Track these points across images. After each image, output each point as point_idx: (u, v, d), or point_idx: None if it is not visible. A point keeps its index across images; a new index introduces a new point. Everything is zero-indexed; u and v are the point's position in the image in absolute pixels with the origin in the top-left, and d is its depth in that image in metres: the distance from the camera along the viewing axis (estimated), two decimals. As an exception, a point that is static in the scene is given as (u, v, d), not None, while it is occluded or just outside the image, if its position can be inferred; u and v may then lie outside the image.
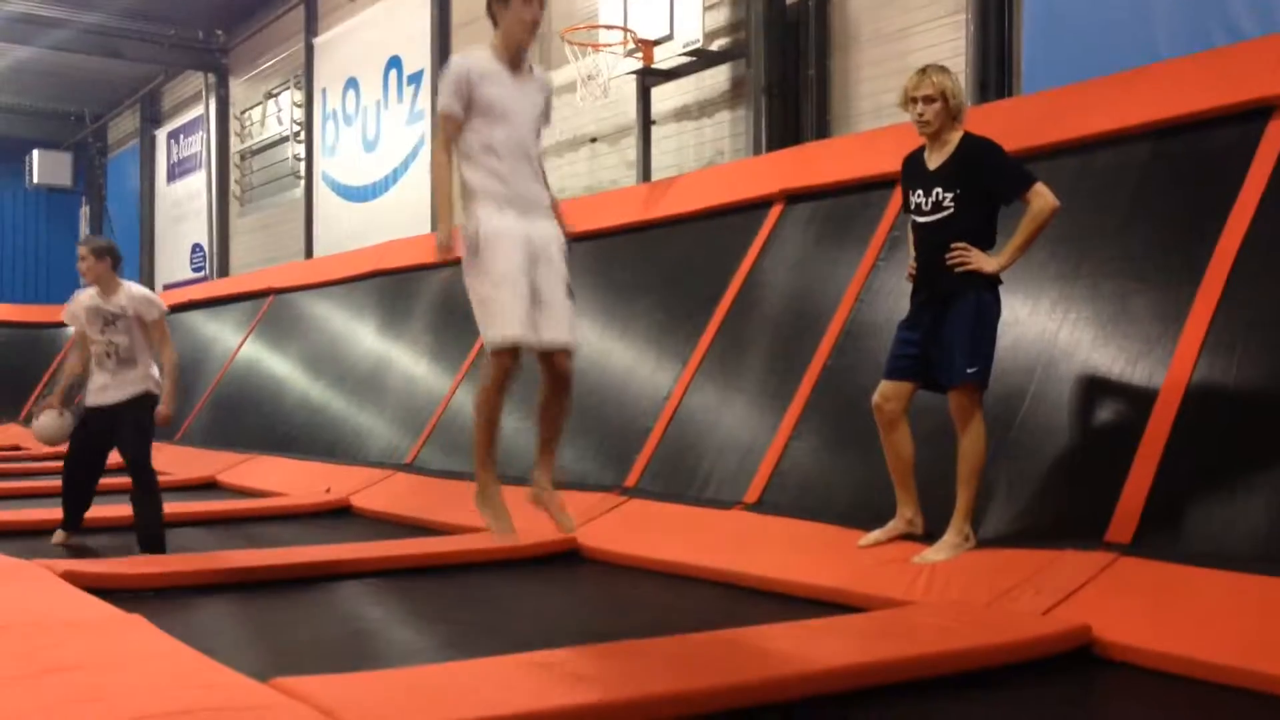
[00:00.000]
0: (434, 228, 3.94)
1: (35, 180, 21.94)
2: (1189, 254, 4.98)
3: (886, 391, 4.95)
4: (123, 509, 7.72)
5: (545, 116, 4.15)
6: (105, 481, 6.89)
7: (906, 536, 4.99)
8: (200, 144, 19.26)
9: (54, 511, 7.59)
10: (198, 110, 19.36)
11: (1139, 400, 4.80)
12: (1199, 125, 5.29)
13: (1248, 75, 5.16)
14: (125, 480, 6.29)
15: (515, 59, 4.02)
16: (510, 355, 3.76)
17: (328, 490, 8.53)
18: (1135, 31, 6.63)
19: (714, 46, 9.21)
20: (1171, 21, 6.48)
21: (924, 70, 4.90)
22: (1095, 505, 4.60)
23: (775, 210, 7.35)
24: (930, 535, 4.91)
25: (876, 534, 5.03)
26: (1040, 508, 4.89)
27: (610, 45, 9.48)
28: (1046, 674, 3.74)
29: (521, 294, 3.76)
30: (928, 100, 4.83)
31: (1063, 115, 5.82)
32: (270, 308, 13.00)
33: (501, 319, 3.72)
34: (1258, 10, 6.09)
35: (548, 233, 3.93)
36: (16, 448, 14.36)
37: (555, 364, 3.86)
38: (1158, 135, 5.44)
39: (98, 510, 7.41)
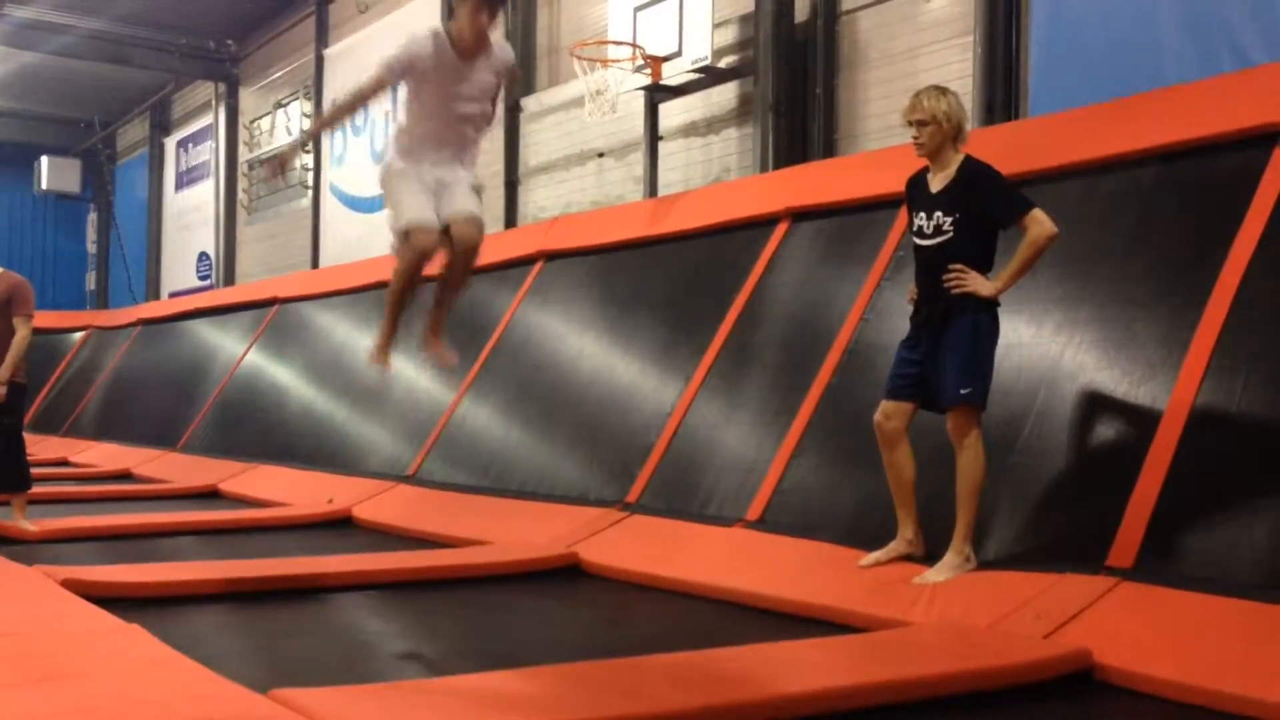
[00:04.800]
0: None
1: (44, 186, 21.97)
2: (1194, 279, 4.97)
3: (887, 410, 4.97)
4: (114, 519, 7.76)
5: (496, 91, 4.62)
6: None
7: (907, 557, 4.98)
8: (209, 153, 19.31)
9: (55, 520, 7.62)
10: (207, 119, 19.42)
11: (1142, 424, 4.79)
12: (1205, 151, 5.29)
13: (1255, 102, 5.17)
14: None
15: (467, 48, 4.49)
16: (419, 235, 4.37)
17: (330, 501, 8.53)
18: (1144, 56, 6.65)
19: (722, 64, 9.24)
20: (1180, 47, 6.49)
21: (918, 94, 4.95)
22: (1097, 529, 4.59)
23: (781, 228, 7.35)
24: (931, 556, 4.90)
25: (877, 555, 5.02)
26: (1042, 530, 4.88)
27: (619, 61, 9.51)
28: (1046, 698, 3.73)
29: (422, 193, 4.40)
30: (920, 124, 4.90)
31: (1069, 138, 5.83)
32: (275, 317, 13.02)
33: (403, 211, 4.39)
34: (1266, 37, 6.10)
35: (454, 172, 4.54)
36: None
37: (459, 233, 4.42)
38: (1164, 160, 5.44)
39: (90, 520, 7.44)
